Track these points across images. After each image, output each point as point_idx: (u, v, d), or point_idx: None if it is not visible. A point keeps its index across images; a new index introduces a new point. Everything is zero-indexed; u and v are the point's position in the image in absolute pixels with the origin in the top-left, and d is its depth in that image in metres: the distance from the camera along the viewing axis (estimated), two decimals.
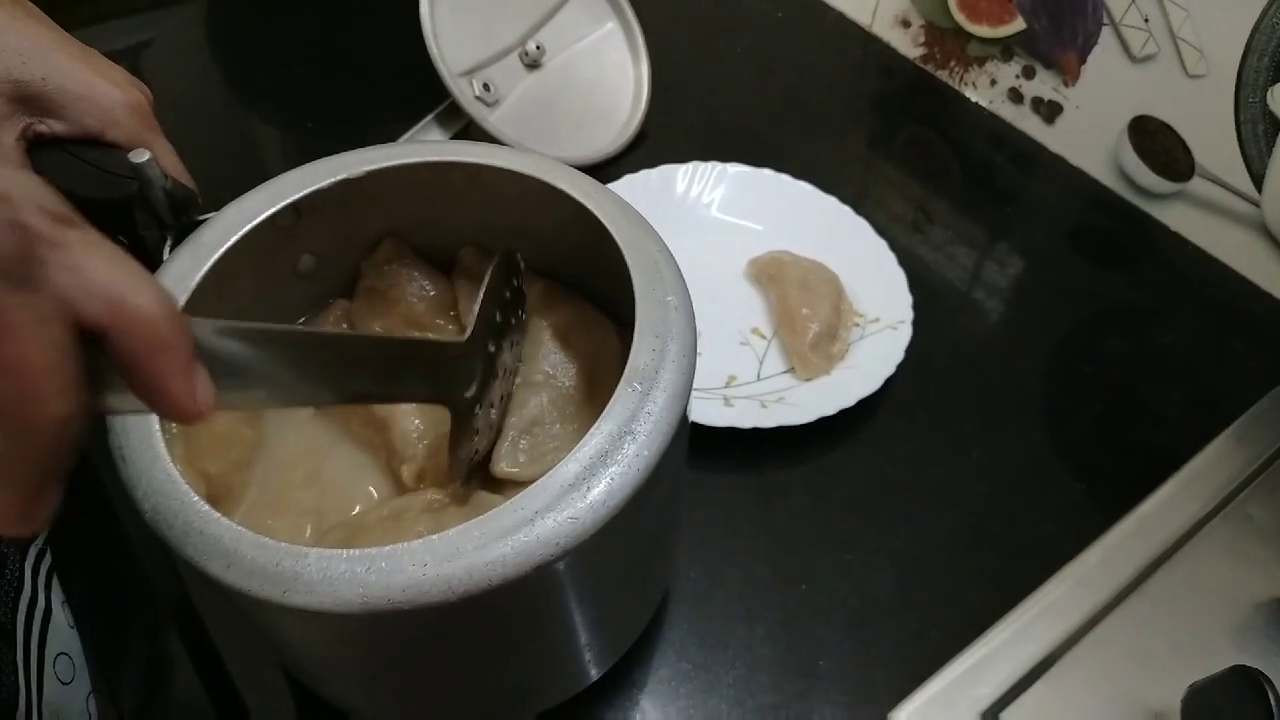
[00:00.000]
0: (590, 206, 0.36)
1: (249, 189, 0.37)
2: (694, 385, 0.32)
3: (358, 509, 0.37)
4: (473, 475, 0.36)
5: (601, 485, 0.28)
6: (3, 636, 0.35)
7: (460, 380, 0.34)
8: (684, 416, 0.31)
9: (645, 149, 0.73)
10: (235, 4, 0.89)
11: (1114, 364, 0.61)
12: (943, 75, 0.82)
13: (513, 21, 0.70)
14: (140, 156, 0.36)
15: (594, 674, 0.41)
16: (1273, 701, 0.35)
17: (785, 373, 0.58)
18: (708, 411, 0.53)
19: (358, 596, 0.26)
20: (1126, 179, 0.71)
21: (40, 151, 0.36)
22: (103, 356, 0.20)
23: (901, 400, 0.57)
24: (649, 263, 0.34)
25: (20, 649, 0.36)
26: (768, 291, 0.62)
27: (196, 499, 0.28)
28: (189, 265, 0.34)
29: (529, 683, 0.39)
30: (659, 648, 0.46)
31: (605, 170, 0.70)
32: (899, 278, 0.61)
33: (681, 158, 0.68)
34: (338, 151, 0.38)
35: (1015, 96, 0.76)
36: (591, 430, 0.29)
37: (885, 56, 0.85)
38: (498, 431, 0.37)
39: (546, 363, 0.40)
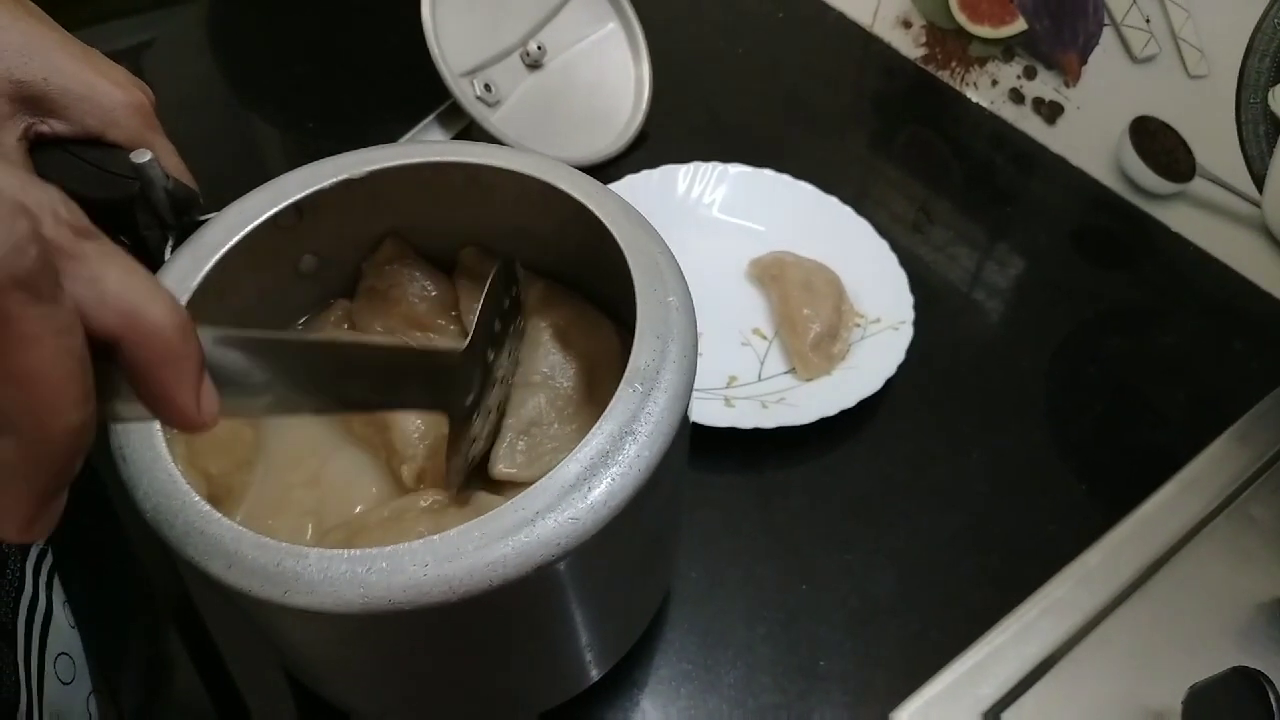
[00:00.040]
0: (591, 207, 0.36)
1: (250, 189, 0.37)
2: (695, 386, 0.32)
3: (359, 509, 0.37)
4: (470, 481, 0.36)
5: (602, 486, 0.28)
6: (4, 636, 0.35)
7: (458, 389, 0.35)
8: (685, 417, 0.31)
9: (646, 149, 0.73)
10: (236, 4, 0.90)
11: (1115, 364, 0.61)
12: (944, 76, 0.82)
13: (514, 22, 0.70)
14: (142, 157, 0.36)
15: (595, 674, 0.41)
16: (1273, 702, 0.35)
17: (786, 373, 0.58)
18: (709, 412, 0.53)
19: (359, 597, 0.26)
20: (1127, 179, 0.71)
21: (42, 152, 0.36)
22: (111, 366, 0.20)
23: (902, 401, 0.57)
24: (650, 263, 0.34)
25: (21, 649, 0.36)
26: (769, 292, 0.62)
27: (197, 499, 0.28)
28: (190, 265, 0.34)
29: (529, 683, 0.39)
30: (660, 648, 0.46)
31: (606, 171, 0.70)
32: (900, 278, 0.61)
33: (683, 158, 0.68)
34: (339, 152, 0.38)
35: (1016, 97, 0.76)
36: (592, 431, 0.29)
37: (886, 57, 0.85)
38: (495, 434, 0.37)
39: (545, 363, 0.40)
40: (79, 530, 0.45)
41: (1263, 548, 0.49)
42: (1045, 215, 0.72)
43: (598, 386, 0.40)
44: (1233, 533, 0.49)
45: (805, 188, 0.67)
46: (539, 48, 0.70)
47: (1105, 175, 0.73)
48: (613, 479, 0.28)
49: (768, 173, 0.68)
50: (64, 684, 0.38)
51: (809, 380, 0.57)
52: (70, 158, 0.36)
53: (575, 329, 0.41)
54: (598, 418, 0.29)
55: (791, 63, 0.85)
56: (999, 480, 0.54)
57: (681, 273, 0.35)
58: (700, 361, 0.33)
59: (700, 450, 0.52)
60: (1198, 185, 0.66)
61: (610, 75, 0.75)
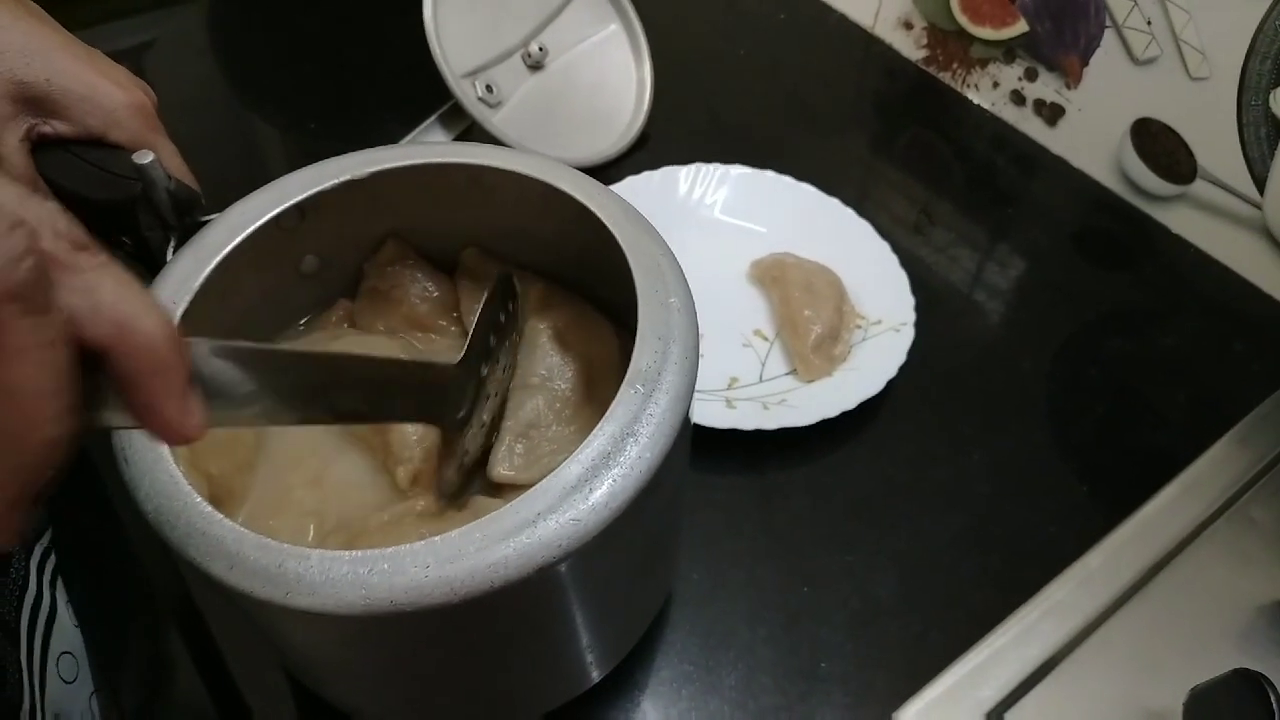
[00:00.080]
0: (593, 208, 0.36)
1: (252, 190, 0.37)
2: (696, 387, 0.32)
3: (360, 510, 0.37)
4: (463, 491, 0.36)
5: (604, 487, 0.28)
6: (7, 635, 0.35)
7: (451, 402, 0.35)
8: (686, 418, 0.31)
9: (648, 150, 0.73)
10: (238, 4, 0.90)
11: (1116, 366, 0.61)
12: (945, 77, 0.82)
13: (516, 23, 0.70)
14: (144, 157, 0.36)
15: (596, 676, 0.41)
16: (1274, 704, 0.35)
17: (787, 374, 0.58)
18: (710, 413, 0.53)
19: (360, 598, 0.26)
20: (1129, 181, 0.71)
21: (44, 152, 0.36)
22: (101, 376, 0.21)
23: (904, 402, 0.57)
24: (652, 264, 0.34)
25: (24, 647, 0.36)
26: (770, 293, 0.62)
27: (199, 500, 0.28)
28: (192, 266, 0.34)
29: (531, 684, 0.39)
30: (661, 649, 0.46)
31: (607, 172, 0.70)
32: (901, 280, 0.61)
33: (684, 159, 0.68)
34: (340, 152, 0.38)
35: (1017, 99, 0.76)
36: (594, 432, 0.29)
37: (888, 58, 0.85)
38: (487, 446, 0.38)
39: (543, 365, 0.40)
40: (80, 530, 0.45)
41: (1263, 550, 0.49)
42: (1046, 217, 0.72)
43: (596, 388, 0.40)
44: (1233, 535, 0.49)
45: (806, 189, 0.67)
46: (540, 49, 0.70)
47: (1106, 177, 0.73)
48: (614, 480, 0.28)
49: (769, 174, 0.68)
50: (66, 683, 0.38)
51: (810, 381, 0.57)
52: (72, 159, 0.37)
53: (574, 331, 0.41)
54: (596, 419, 0.29)
55: (793, 64, 0.85)
56: (1000, 482, 0.54)
57: (683, 274, 0.35)
58: (701, 363, 0.33)
59: (702, 451, 0.52)
60: (1199, 187, 0.66)
61: (612, 76, 0.75)
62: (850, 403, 0.53)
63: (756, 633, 0.47)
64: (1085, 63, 0.70)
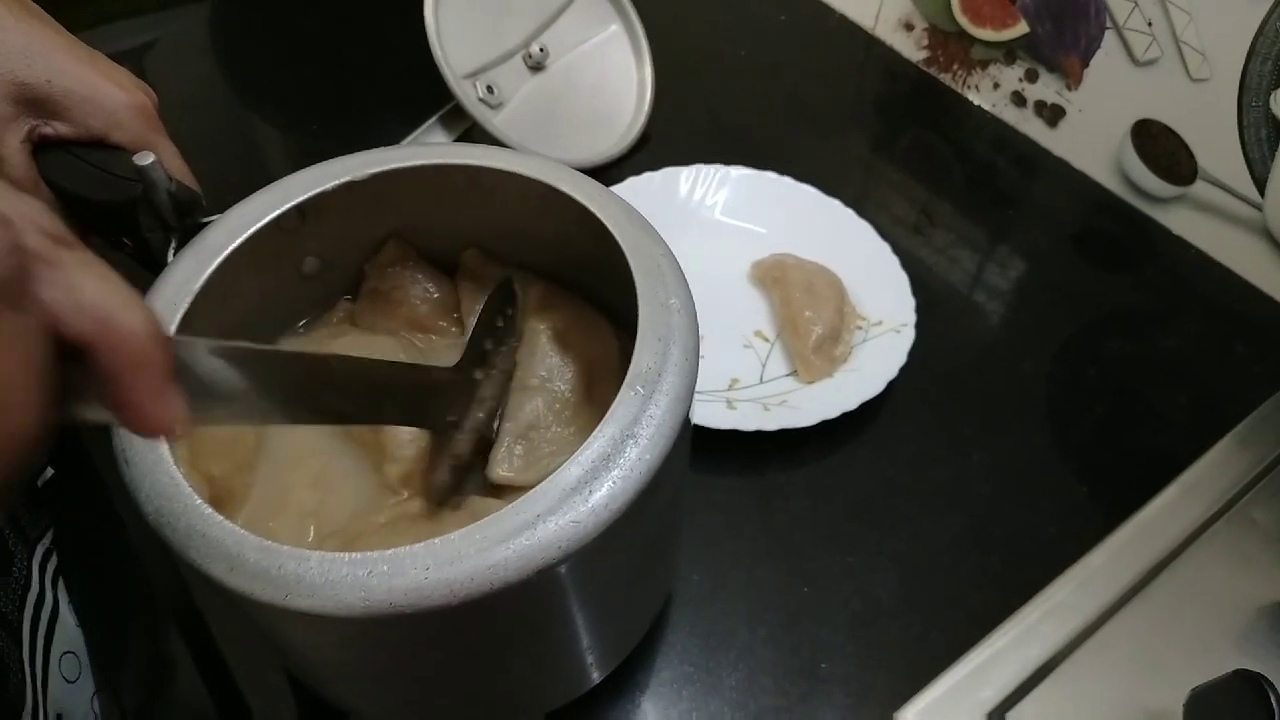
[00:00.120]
0: (593, 209, 0.36)
1: (253, 191, 0.37)
2: (697, 388, 0.32)
3: (360, 511, 0.37)
4: (453, 493, 0.37)
5: (604, 488, 0.28)
6: (10, 634, 0.36)
7: (443, 406, 0.35)
8: (686, 419, 0.31)
9: (648, 151, 0.74)
10: (239, 6, 0.90)
11: (1116, 367, 0.61)
12: (946, 78, 0.82)
13: (516, 24, 0.70)
14: (145, 159, 0.36)
15: (596, 677, 0.41)
16: (1275, 705, 0.35)
17: (788, 375, 0.58)
18: (710, 414, 0.53)
19: (360, 600, 0.26)
20: (1129, 182, 0.71)
21: (45, 154, 0.37)
22: (81, 370, 0.21)
23: (904, 403, 0.57)
24: (652, 265, 0.34)
25: (26, 646, 0.36)
26: (771, 294, 0.62)
27: (199, 501, 0.28)
28: (193, 267, 0.34)
29: (531, 685, 0.39)
30: (661, 650, 0.46)
31: (608, 173, 0.70)
32: (902, 281, 0.61)
33: (685, 160, 0.68)
34: (341, 153, 0.38)
35: (1018, 100, 0.76)
36: (594, 433, 0.29)
37: (888, 60, 0.85)
38: (479, 451, 0.38)
39: (543, 366, 0.40)
40: (80, 531, 0.45)
41: (1264, 551, 0.49)
42: (1047, 218, 0.72)
43: (595, 389, 0.40)
44: (1234, 536, 0.49)
45: (807, 190, 0.67)
46: (541, 50, 0.71)
47: (1107, 178, 0.73)
48: (614, 482, 0.28)
49: (769, 175, 0.68)
50: (69, 682, 0.38)
51: (811, 382, 0.57)
52: (73, 160, 0.37)
53: (573, 331, 0.41)
54: (596, 420, 0.29)
55: (793, 65, 0.85)
56: (1000, 482, 0.54)
57: (683, 275, 0.35)
58: (702, 364, 0.33)
59: (702, 452, 0.52)
60: (1199, 188, 0.66)
61: (612, 77, 0.75)
62: (851, 403, 0.53)
63: (757, 633, 0.47)
64: (1086, 64, 0.70)
